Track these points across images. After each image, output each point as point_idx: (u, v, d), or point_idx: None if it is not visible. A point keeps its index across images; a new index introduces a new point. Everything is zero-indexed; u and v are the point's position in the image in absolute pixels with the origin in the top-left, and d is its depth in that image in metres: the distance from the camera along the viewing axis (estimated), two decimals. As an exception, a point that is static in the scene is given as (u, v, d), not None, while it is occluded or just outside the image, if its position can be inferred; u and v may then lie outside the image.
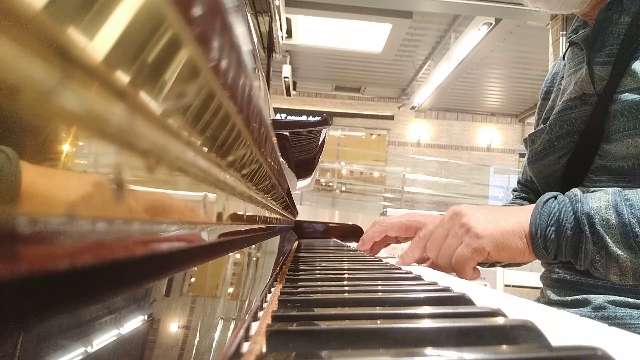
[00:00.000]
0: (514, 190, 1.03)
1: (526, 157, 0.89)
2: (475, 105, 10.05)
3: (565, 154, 0.78)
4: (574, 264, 0.62)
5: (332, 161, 9.97)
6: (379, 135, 10.62)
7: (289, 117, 9.03)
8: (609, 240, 0.57)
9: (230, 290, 0.33)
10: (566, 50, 0.87)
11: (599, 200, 0.60)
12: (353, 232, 1.52)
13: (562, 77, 0.85)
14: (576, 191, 0.63)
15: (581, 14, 0.80)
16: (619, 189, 0.61)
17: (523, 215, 0.64)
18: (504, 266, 0.95)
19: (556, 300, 0.74)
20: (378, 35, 6.57)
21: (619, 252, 0.57)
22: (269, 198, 0.58)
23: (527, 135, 0.92)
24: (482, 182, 9.81)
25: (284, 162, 0.71)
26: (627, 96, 0.67)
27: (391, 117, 10.39)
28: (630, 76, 0.67)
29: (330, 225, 1.58)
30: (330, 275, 0.55)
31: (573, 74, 0.80)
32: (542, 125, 0.85)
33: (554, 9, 0.78)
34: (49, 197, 0.10)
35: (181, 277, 0.22)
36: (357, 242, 0.97)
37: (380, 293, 0.40)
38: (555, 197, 0.64)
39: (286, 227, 1.12)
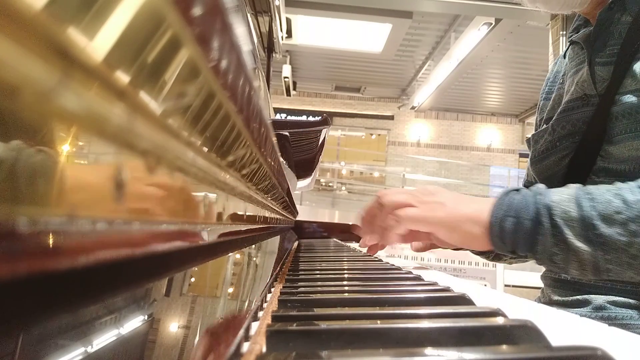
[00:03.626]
0: None
1: (529, 157, 0.89)
2: (475, 105, 10.05)
3: (567, 155, 0.78)
4: (532, 258, 0.61)
5: (332, 161, 9.97)
6: (379, 135, 10.62)
7: (289, 117, 9.03)
8: (569, 233, 0.57)
9: (230, 290, 0.33)
10: (567, 49, 0.86)
11: (561, 194, 0.60)
12: (353, 232, 1.52)
13: (564, 74, 0.84)
14: (540, 185, 0.63)
15: (583, 12, 0.80)
16: (581, 185, 0.61)
17: (485, 205, 0.65)
18: (492, 259, 0.94)
19: (557, 300, 0.74)
20: (378, 35, 6.57)
21: (578, 244, 0.56)
22: (269, 198, 0.58)
23: (529, 136, 0.91)
24: (482, 182, 9.81)
25: (284, 162, 0.71)
26: (628, 98, 0.66)
27: (391, 117, 10.40)
28: (632, 77, 0.66)
29: (331, 225, 1.58)
30: (330, 276, 0.55)
31: (574, 74, 0.79)
32: (544, 126, 0.84)
33: (554, 9, 0.78)
34: (48, 196, 0.10)
35: (181, 277, 0.22)
36: (358, 242, 0.96)
37: (380, 293, 0.40)
38: (519, 190, 0.64)
39: (286, 227, 1.12)
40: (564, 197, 0.59)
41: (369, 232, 0.76)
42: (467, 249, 0.82)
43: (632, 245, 0.54)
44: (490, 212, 0.63)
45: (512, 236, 0.61)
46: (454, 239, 0.66)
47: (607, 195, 0.57)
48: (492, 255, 0.90)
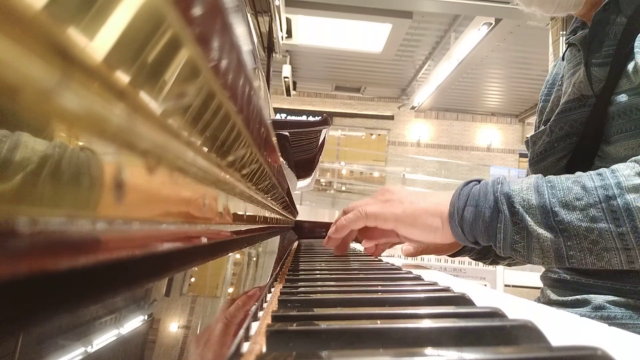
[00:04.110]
0: None
1: (528, 159, 0.89)
2: (475, 105, 10.05)
3: (565, 156, 0.78)
4: (494, 248, 0.62)
5: (332, 161, 9.97)
6: (379, 135, 10.62)
7: (289, 117, 9.02)
8: (529, 220, 0.57)
9: (230, 290, 0.33)
10: (565, 51, 0.87)
11: (521, 183, 0.60)
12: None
13: (563, 76, 0.85)
14: (501, 177, 0.64)
15: (579, 15, 0.80)
16: (541, 175, 0.62)
17: (445, 197, 0.65)
18: (509, 264, 0.95)
19: (556, 300, 0.74)
20: (378, 35, 6.57)
21: (540, 231, 0.56)
22: (269, 198, 0.58)
23: (528, 137, 0.92)
24: (482, 182, 9.78)
25: (284, 162, 0.71)
26: (622, 97, 0.67)
27: (391, 117, 10.39)
28: (626, 77, 0.67)
29: (330, 225, 1.58)
30: (330, 275, 0.55)
31: (571, 76, 0.80)
32: (542, 127, 0.85)
33: (549, 11, 0.78)
34: (48, 196, 0.10)
35: (181, 277, 0.22)
36: (358, 242, 0.97)
37: (380, 293, 0.40)
38: (479, 181, 0.65)
39: (286, 227, 1.12)
40: (523, 186, 0.60)
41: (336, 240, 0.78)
42: (435, 250, 0.82)
43: (592, 231, 0.54)
44: (450, 203, 0.64)
45: (471, 226, 0.61)
46: (415, 233, 0.67)
47: (567, 183, 0.57)
48: (490, 259, 0.91)
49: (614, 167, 0.57)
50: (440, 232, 0.65)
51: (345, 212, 0.74)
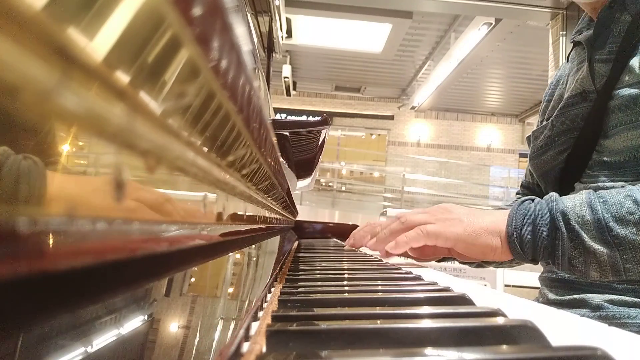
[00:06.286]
0: (517, 193, 1.04)
1: (529, 154, 0.90)
2: (475, 105, 10.04)
3: (564, 150, 0.79)
4: (552, 265, 0.63)
5: (332, 161, 9.97)
6: (379, 135, 10.62)
7: (289, 117, 9.02)
8: (585, 236, 0.58)
9: (230, 290, 0.33)
10: (570, 52, 0.88)
11: (574, 200, 0.62)
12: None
13: (567, 75, 0.86)
14: (553, 194, 0.65)
15: (593, 7, 0.80)
16: (592, 190, 0.63)
17: (501, 216, 0.66)
18: (497, 265, 0.96)
19: (554, 300, 0.74)
20: (378, 35, 6.56)
21: (596, 246, 0.58)
22: (269, 198, 0.57)
23: (530, 133, 0.92)
24: (482, 182, 9.81)
25: (284, 162, 0.71)
26: (625, 91, 0.68)
27: (391, 117, 10.39)
28: (629, 72, 0.68)
29: (330, 225, 1.58)
30: (330, 275, 0.55)
31: (575, 73, 0.81)
32: (544, 123, 0.86)
33: None
34: (48, 197, 0.10)
35: (181, 277, 0.22)
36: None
37: (380, 293, 0.40)
38: (533, 200, 0.66)
39: (286, 227, 1.12)
40: (577, 203, 0.61)
41: (372, 244, 0.78)
42: (484, 262, 0.83)
43: None
44: (507, 222, 0.65)
45: (531, 244, 0.62)
46: (474, 251, 0.67)
47: (619, 197, 0.59)
48: (476, 262, 0.91)
49: None
50: (500, 250, 0.66)
51: (400, 221, 0.73)
